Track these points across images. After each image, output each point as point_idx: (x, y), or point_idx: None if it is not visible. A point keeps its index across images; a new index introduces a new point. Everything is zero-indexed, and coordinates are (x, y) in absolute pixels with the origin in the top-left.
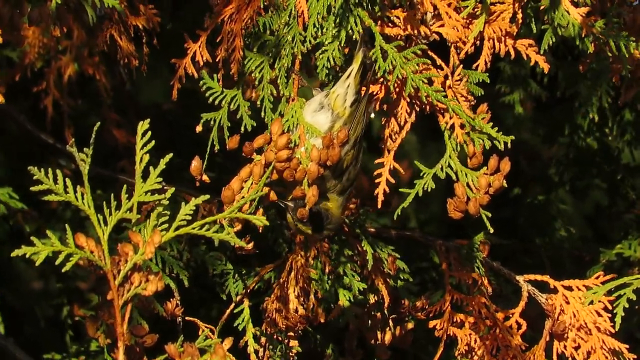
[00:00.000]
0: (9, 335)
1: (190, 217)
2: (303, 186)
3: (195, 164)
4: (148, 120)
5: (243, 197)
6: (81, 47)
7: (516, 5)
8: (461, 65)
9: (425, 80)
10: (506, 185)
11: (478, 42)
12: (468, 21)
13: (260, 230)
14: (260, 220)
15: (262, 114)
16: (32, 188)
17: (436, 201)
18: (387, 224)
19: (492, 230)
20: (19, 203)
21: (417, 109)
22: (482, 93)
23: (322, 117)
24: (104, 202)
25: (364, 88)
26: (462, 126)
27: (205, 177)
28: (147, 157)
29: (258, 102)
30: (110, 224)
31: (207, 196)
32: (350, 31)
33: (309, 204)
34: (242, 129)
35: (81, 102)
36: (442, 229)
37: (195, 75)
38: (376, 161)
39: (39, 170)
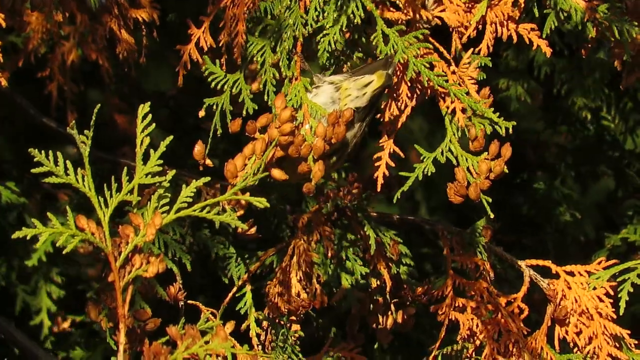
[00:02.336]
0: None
1: (191, 200)
2: (309, 161)
3: (198, 148)
4: (149, 103)
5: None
6: (85, 32)
7: None
8: (472, 49)
9: (427, 65)
10: (507, 171)
11: (480, 27)
12: (470, 5)
13: (263, 214)
14: (261, 202)
15: (265, 97)
16: (32, 170)
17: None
18: (396, 212)
19: (492, 216)
20: (20, 198)
21: (418, 93)
22: (485, 77)
23: (331, 110)
24: (105, 185)
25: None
26: (463, 110)
27: (208, 162)
28: (147, 140)
29: (260, 86)
30: (111, 206)
31: (208, 178)
32: (351, 15)
33: (315, 179)
34: (244, 112)
35: (84, 88)
36: (451, 217)
37: (200, 60)
38: (376, 144)
39: (40, 153)
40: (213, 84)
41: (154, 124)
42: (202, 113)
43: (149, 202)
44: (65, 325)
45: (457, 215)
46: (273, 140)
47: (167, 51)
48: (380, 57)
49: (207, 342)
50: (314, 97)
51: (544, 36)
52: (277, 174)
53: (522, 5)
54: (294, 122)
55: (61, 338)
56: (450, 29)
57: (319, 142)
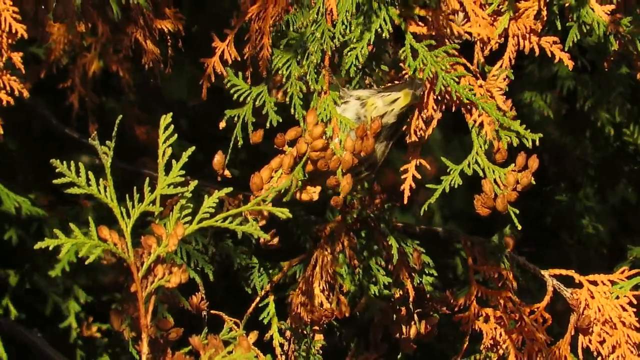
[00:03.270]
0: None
1: (213, 210)
2: (337, 175)
3: (218, 159)
4: (171, 114)
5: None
6: (106, 44)
7: (541, 2)
8: (500, 62)
9: (456, 79)
10: (534, 183)
11: (502, 39)
12: (493, 18)
13: (286, 225)
14: (283, 212)
15: (292, 110)
16: (54, 181)
17: (459, 197)
18: (411, 220)
19: (520, 227)
20: (40, 210)
21: (444, 107)
22: (508, 90)
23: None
24: (127, 195)
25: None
26: (490, 124)
27: (227, 172)
28: (169, 151)
29: (287, 99)
30: (133, 216)
31: (230, 188)
32: (379, 29)
33: (343, 193)
34: (268, 124)
35: (105, 99)
36: (466, 225)
37: (225, 73)
38: (403, 157)
39: (62, 163)
40: (235, 96)
41: (176, 135)
42: (222, 124)
43: (171, 213)
44: (93, 330)
45: (474, 224)
46: (302, 155)
47: (187, 61)
48: (408, 72)
49: (230, 352)
50: (342, 112)
51: (566, 49)
52: (305, 196)
53: (545, 18)
54: (324, 137)
55: (89, 345)
56: (474, 40)
57: (348, 156)
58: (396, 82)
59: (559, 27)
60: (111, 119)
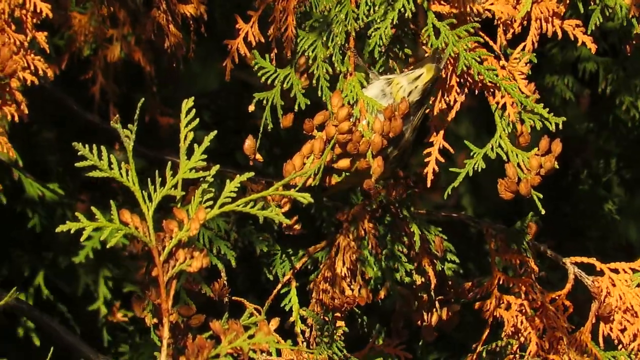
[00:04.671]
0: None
1: (235, 195)
2: (367, 158)
3: (249, 143)
4: (192, 97)
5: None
6: (128, 35)
7: None
8: (522, 44)
9: (478, 59)
10: (557, 167)
11: (525, 23)
12: (516, 1)
13: (308, 211)
14: (304, 197)
15: (319, 92)
16: (76, 164)
17: (492, 193)
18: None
19: (543, 212)
20: (64, 199)
21: (468, 88)
22: (530, 74)
23: (383, 103)
24: (149, 179)
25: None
26: (513, 105)
27: (258, 156)
28: (191, 135)
29: (314, 81)
30: (155, 200)
31: (252, 173)
32: (402, 8)
33: (375, 175)
34: (296, 107)
35: (127, 90)
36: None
37: (248, 55)
38: (426, 140)
39: (84, 147)
40: (263, 78)
41: (197, 119)
42: (251, 108)
43: (193, 197)
44: (119, 315)
45: (504, 221)
46: (331, 138)
47: (212, 53)
48: (428, 52)
49: (250, 337)
50: (366, 91)
51: (589, 32)
52: (343, 163)
53: (567, 1)
54: (351, 119)
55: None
56: (497, 23)
57: (377, 138)
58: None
59: (582, 10)
60: (134, 110)
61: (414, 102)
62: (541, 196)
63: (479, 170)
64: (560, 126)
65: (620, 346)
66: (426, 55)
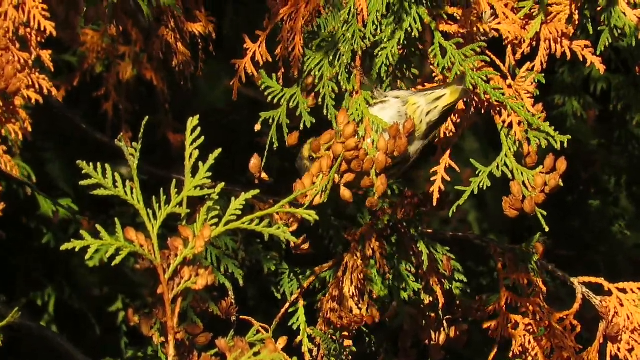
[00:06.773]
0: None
1: (240, 212)
2: (371, 176)
3: (254, 162)
4: (197, 116)
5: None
6: (140, 52)
7: (573, 6)
8: (528, 63)
9: (484, 78)
10: (562, 184)
11: (534, 43)
12: (525, 22)
13: (317, 230)
14: (310, 215)
15: (325, 111)
16: (81, 182)
17: (498, 209)
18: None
19: (547, 229)
20: (78, 215)
21: (474, 107)
22: (538, 93)
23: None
24: (154, 197)
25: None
26: (519, 124)
27: (264, 175)
28: (196, 153)
29: (320, 100)
30: (159, 218)
31: (257, 191)
32: (409, 28)
33: (378, 193)
34: (302, 126)
35: (139, 108)
36: (505, 240)
37: (256, 74)
38: (432, 159)
39: (88, 165)
40: (269, 97)
41: (202, 137)
42: (258, 127)
43: (198, 215)
44: (136, 319)
45: (510, 237)
46: (338, 156)
47: (221, 71)
48: (436, 72)
49: (256, 354)
50: (381, 111)
51: (598, 53)
52: (347, 194)
53: (577, 22)
54: (357, 137)
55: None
56: (505, 43)
57: (381, 156)
58: (441, 83)
59: (591, 31)
60: (146, 128)
61: (432, 122)
62: (545, 214)
63: (484, 188)
64: (566, 144)
65: None
66: (448, 80)
